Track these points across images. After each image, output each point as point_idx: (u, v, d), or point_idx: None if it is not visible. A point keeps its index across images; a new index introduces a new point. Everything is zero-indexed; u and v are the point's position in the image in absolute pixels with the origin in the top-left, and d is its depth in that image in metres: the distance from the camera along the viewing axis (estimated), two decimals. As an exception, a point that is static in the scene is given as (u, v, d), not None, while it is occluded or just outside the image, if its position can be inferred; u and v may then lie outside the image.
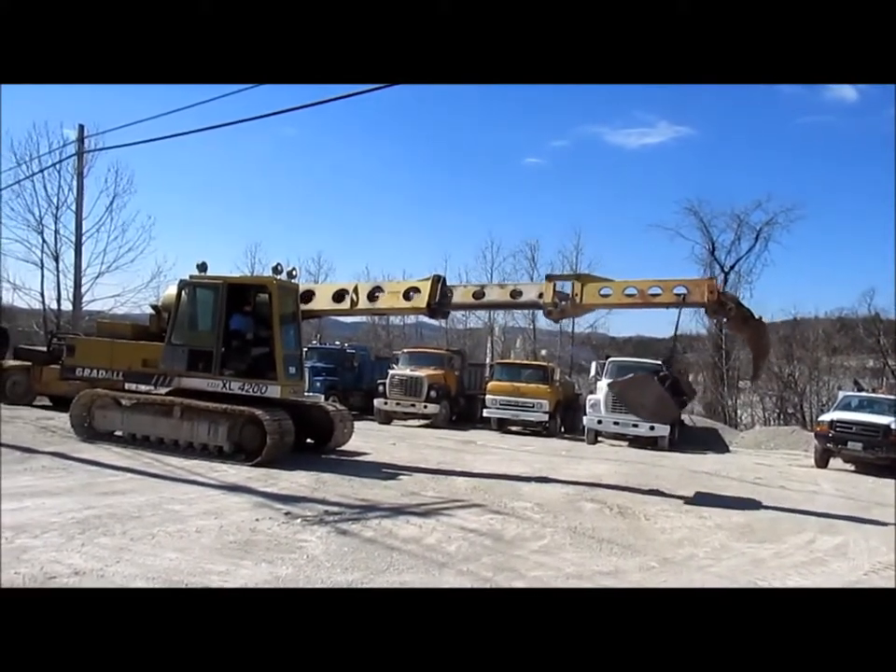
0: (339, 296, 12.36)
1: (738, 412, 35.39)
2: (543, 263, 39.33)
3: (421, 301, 11.74)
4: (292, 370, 11.80)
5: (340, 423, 12.92)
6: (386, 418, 22.62)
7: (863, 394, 20.26)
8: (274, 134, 78.37)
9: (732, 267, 38.40)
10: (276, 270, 11.60)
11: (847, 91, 60.71)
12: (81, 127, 22.63)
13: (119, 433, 12.16)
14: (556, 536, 7.69)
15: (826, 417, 17.94)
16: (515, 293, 11.81)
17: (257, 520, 7.34)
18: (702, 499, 10.75)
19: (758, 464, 17.64)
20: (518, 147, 77.90)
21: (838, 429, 17.05)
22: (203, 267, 11.87)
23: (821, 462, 17.69)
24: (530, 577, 6.02)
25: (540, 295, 11.50)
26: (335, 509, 8.17)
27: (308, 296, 12.52)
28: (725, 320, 11.25)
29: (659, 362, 21.88)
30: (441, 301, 11.74)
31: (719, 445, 23.56)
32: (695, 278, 10.96)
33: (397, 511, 8.35)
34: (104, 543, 6.06)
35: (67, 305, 25.37)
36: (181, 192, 71.53)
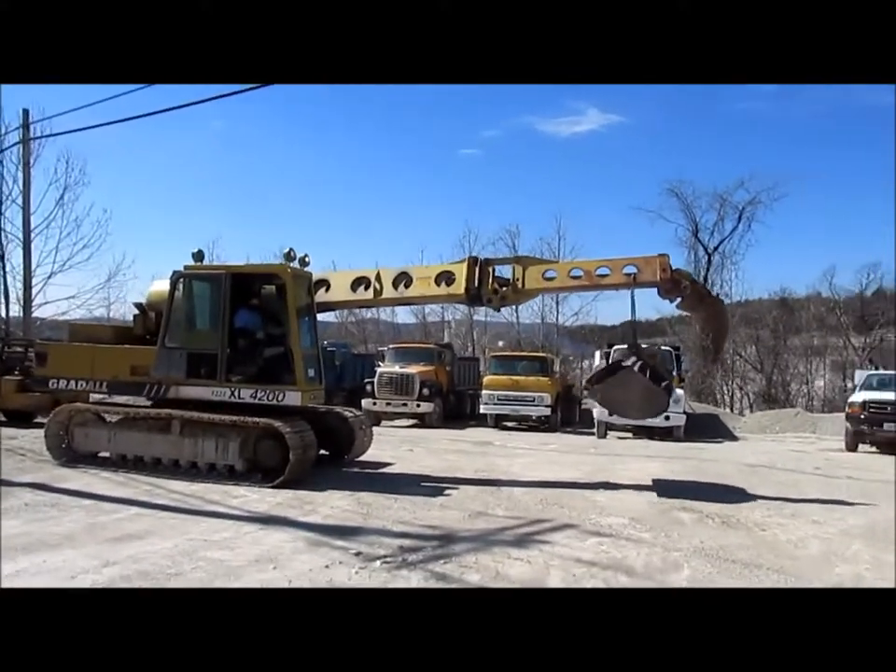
0: (358, 285, 10.73)
1: (734, 395, 34.62)
2: (525, 250, 38.14)
3: (458, 287, 10.15)
4: (311, 372, 10.11)
5: (360, 430, 11.38)
6: (375, 419, 20.95)
7: (883, 372, 19.52)
8: (215, 128, 74.65)
9: (716, 248, 37.77)
10: (289, 256, 9.84)
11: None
12: (26, 112, 20.47)
13: (104, 454, 10.32)
14: (692, 562, 6.26)
15: (857, 398, 16.96)
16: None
17: (326, 567, 5.72)
18: (790, 500, 9.52)
19: (791, 451, 16.63)
20: (454, 137, 76.72)
21: (872, 410, 16.21)
22: (199, 256, 10.07)
23: (852, 445, 16.86)
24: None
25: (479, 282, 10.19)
26: (408, 542, 6.61)
27: (322, 286, 10.83)
28: (680, 299, 9.97)
29: (669, 347, 21.15)
30: (479, 287, 10.21)
31: (724, 432, 22.66)
32: (645, 256, 9.55)
33: (482, 539, 6.82)
34: (151, 624, 4.40)
35: (17, 310, 23.00)
36: (137, 185, 67.51)
